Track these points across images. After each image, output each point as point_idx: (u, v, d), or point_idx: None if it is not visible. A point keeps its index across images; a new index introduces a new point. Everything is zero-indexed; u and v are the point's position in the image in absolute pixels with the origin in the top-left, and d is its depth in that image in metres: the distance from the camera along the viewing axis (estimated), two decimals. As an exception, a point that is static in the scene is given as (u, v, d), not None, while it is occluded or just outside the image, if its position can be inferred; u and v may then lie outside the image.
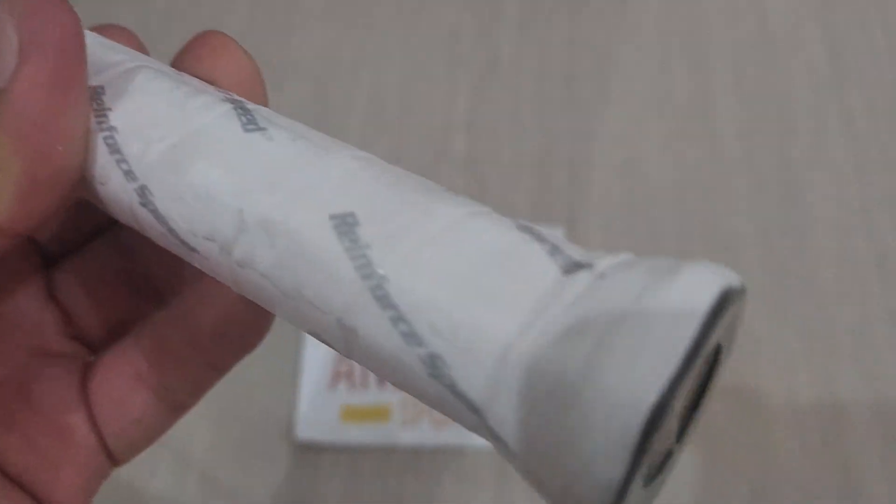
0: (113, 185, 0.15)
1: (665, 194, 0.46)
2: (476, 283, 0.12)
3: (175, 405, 0.20)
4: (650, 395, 0.10)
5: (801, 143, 0.47)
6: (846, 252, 0.44)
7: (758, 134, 0.48)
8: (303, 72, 0.52)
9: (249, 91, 0.18)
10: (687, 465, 0.38)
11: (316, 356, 0.40)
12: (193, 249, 0.15)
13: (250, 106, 0.16)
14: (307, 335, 0.40)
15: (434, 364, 0.12)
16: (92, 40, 0.16)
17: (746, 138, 0.48)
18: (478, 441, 0.37)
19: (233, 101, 0.16)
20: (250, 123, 0.15)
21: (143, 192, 0.15)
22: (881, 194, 0.45)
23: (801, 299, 0.42)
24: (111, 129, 0.15)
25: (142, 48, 0.18)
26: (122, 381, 0.19)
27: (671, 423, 0.13)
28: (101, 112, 0.15)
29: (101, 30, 0.18)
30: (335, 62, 0.53)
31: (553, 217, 0.45)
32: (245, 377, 0.41)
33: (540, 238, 0.13)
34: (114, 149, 0.15)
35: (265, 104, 0.18)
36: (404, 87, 0.51)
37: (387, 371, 0.14)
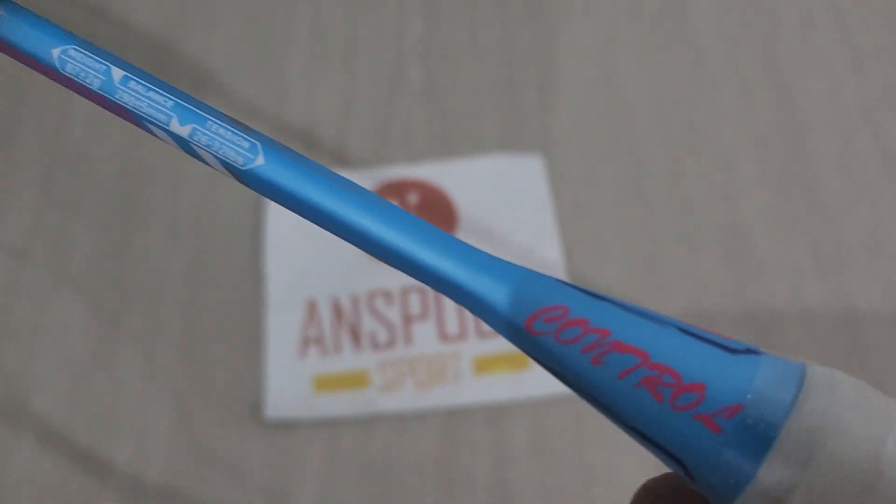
0: None
1: (646, 110, 0.42)
2: None
3: None
4: None
5: (788, 40, 0.43)
6: (849, 156, 0.40)
7: (739, 35, 0.44)
8: (233, 5, 0.46)
9: None
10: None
11: (280, 322, 0.35)
12: None
13: None
14: (268, 298, 0.36)
15: None
16: None
17: (727, 42, 0.44)
18: (466, 400, 0.33)
19: None
20: None
21: None
22: (882, 90, 0.41)
23: (807, 211, 0.39)
24: None
25: None
26: None
27: None
28: None
29: None
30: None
31: (526, 144, 0.41)
32: (202, 353, 0.36)
33: None
34: None
35: None
36: (347, 16, 0.45)
37: None
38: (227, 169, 0.13)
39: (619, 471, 0.33)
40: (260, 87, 0.43)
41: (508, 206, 0.38)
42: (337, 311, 0.36)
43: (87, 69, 0.13)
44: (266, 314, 0.36)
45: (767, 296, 0.37)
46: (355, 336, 0.35)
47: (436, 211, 0.38)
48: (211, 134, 0.13)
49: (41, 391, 0.35)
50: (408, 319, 0.35)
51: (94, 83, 0.13)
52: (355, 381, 0.34)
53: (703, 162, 0.40)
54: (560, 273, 0.36)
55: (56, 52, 0.13)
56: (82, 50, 0.13)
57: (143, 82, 0.13)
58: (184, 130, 0.13)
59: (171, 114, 0.13)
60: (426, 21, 0.45)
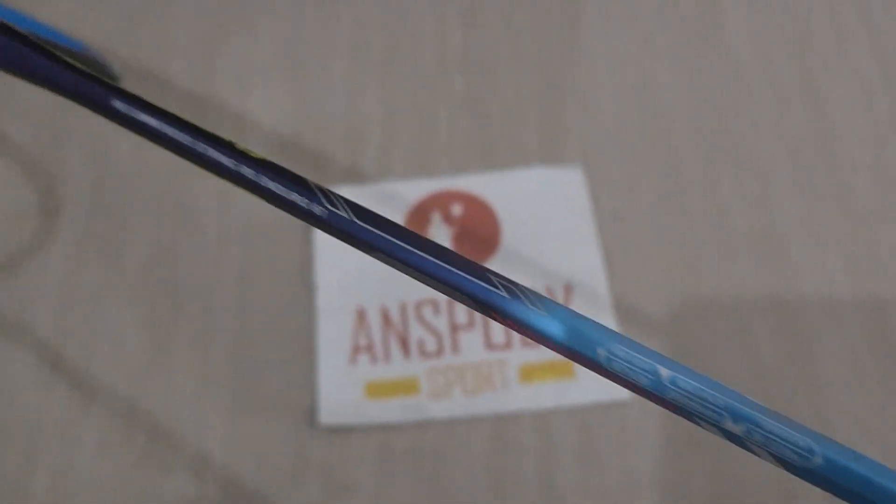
0: None
1: (682, 118, 0.43)
2: None
3: None
4: None
5: (821, 50, 0.44)
6: (882, 165, 0.41)
7: (774, 43, 0.45)
8: (274, 11, 0.47)
9: None
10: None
11: (331, 330, 0.37)
12: None
13: None
14: (318, 306, 0.37)
15: None
16: None
17: (762, 49, 0.44)
18: (513, 407, 0.35)
19: None
20: None
21: None
22: (914, 99, 0.42)
23: (840, 219, 0.40)
24: None
25: None
26: None
27: None
28: None
29: None
30: (306, 2, 0.48)
31: (565, 152, 0.42)
32: (256, 361, 0.37)
33: None
34: None
35: None
36: (387, 26, 0.46)
37: None
38: (780, 464, 0.14)
39: (662, 475, 0.34)
40: (303, 95, 0.44)
41: (550, 216, 0.39)
42: (385, 319, 0.37)
43: (634, 368, 0.14)
44: (317, 321, 0.37)
45: (802, 302, 0.38)
46: (404, 344, 0.36)
47: (479, 222, 0.39)
48: (765, 433, 0.14)
49: (100, 395, 0.37)
50: (455, 328, 0.36)
51: (642, 381, 0.14)
52: (405, 387, 0.35)
53: (738, 169, 0.41)
54: (601, 281, 0.37)
55: (601, 351, 0.14)
56: (626, 348, 0.14)
57: (692, 381, 0.14)
58: (737, 429, 0.14)
59: (724, 413, 0.14)
60: (465, 31, 0.46)
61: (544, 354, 0.36)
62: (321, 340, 0.36)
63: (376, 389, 0.35)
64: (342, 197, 0.16)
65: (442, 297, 0.37)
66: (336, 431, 0.35)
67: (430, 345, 0.36)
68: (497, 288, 0.15)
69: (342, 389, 0.35)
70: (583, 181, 0.40)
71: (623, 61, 0.45)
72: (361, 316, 0.37)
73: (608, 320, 0.36)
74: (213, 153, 0.15)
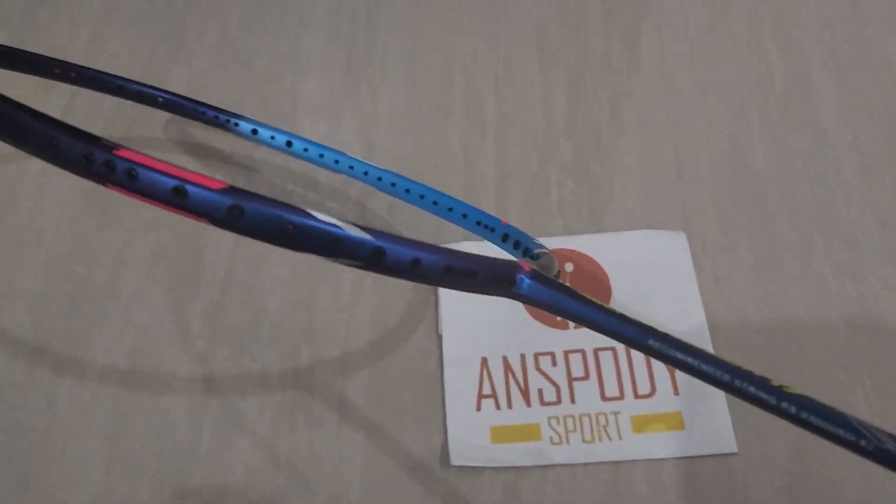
0: None
1: (776, 186, 0.46)
2: None
3: None
4: None
5: (908, 124, 0.47)
6: (968, 237, 0.44)
7: (862, 118, 0.48)
8: (393, 77, 0.51)
9: None
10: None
11: (457, 378, 0.40)
12: None
13: None
14: (446, 358, 0.40)
15: None
16: None
17: (851, 123, 0.48)
18: (627, 456, 0.38)
19: None
20: None
21: None
22: None
23: (928, 288, 0.43)
24: None
25: None
26: None
27: None
28: None
29: None
30: (425, 66, 0.52)
31: (668, 217, 0.45)
32: (389, 400, 0.41)
33: None
34: None
35: None
36: (499, 91, 0.50)
37: None
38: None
39: (764, 523, 0.37)
40: (420, 156, 0.48)
41: (656, 276, 0.43)
42: (507, 369, 0.40)
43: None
44: (444, 370, 0.41)
45: None
46: (525, 393, 0.40)
47: (590, 279, 0.43)
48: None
49: (245, 433, 0.41)
50: (571, 379, 0.40)
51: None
52: (527, 433, 0.39)
53: (829, 237, 0.44)
54: (706, 339, 0.41)
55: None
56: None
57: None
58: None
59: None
60: (569, 99, 0.50)
61: (656, 406, 0.39)
62: (448, 387, 0.40)
63: (501, 434, 0.39)
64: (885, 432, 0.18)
65: (558, 350, 0.41)
66: (466, 470, 0.38)
67: (550, 394, 0.40)
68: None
69: (469, 433, 0.39)
70: (685, 244, 0.43)
71: (718, 131, 0.48)
72: (485, 365, 0.41)
73: (714, 377, 0.39)
74: (752, 390, 0.19)
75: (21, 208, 0.48)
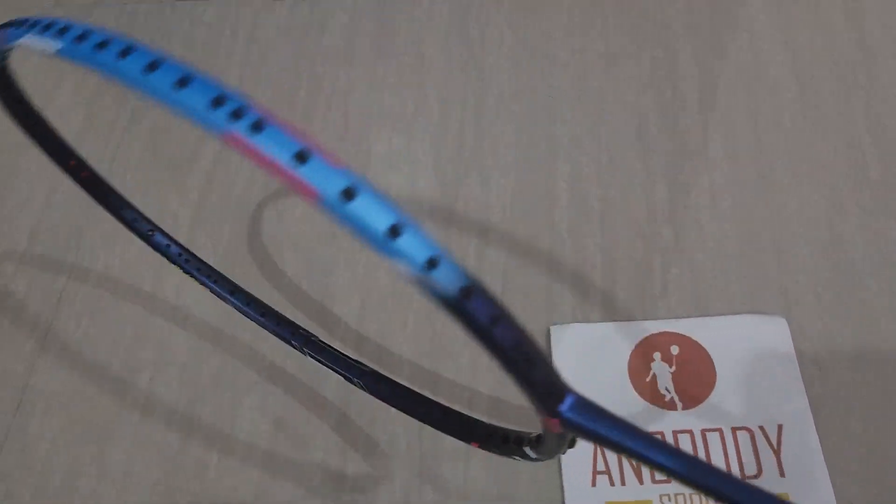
0: None
1: (873, 275, 0.48)
2: None
3: None
4: None
5: None
6: None
7: (957, 207, 0.50)
8: (502, 168, 0.55)
9: None
10: None
11: (574, 455, 0.43)
12: None
13: None
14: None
15: None
16: None
17: (946, 212, 0.50)
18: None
19: None
20: None
21: None
22: None
23: None
24: None
25: None
26: None
27: None
28: None
29: None
30: (530, 156, 0.56)
31: (768, 303, 0.48)
32: (511, 479, 0.44)
33: None
34: None
35: None
36: (602, 178, 0.54)
37: None
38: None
39: None
40: (535, 236, 0.52)
41: (759, 360, 0.45)
42: (619, 447, 0.43)
43: None
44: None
45: None
46: (637, 470, 0.43)
47: (695, 362, 0.46)
48: None
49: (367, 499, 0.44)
50: (681, 459, 0.43)
51: None
52: (641, 509, 0.42)
53: (927, 325, 0.46)
54: (809, 425, 0.43)
55: None
56: None
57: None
58: None
59: None
60: (669, 185, 0.53)
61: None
62: (565, 463, 0.43)
63: (615, 509, 0.42)
64: None
65: (667, 429, 0.43)
66: (581, 544, 0.41)
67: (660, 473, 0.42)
68: None
69: (585, 506, 0.42)
70: (787, 329, 0.46)
71: (815, 220, 0.51)
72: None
73: (818, 461, 0.42)
74: None
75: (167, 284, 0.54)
